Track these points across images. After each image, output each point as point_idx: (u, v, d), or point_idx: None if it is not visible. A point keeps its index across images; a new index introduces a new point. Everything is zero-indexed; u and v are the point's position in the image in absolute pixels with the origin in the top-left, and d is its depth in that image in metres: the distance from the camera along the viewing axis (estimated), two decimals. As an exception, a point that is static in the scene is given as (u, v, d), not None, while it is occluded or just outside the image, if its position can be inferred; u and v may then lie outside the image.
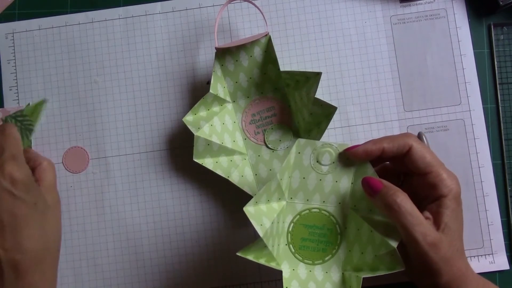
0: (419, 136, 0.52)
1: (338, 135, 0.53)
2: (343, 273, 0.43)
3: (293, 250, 0.44)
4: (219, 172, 0.50)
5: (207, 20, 0.55)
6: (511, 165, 0.53)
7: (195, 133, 0.49)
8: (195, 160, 0.49)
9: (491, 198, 0.52)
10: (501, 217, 0.52)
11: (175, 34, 0.55)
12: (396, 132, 0.53)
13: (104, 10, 0.55)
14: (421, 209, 0.41)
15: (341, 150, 0.43)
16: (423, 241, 0.38)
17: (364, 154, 0.42)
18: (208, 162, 0.50)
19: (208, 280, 0.52)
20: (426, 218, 0.40)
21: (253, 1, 0.50)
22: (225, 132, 0.51)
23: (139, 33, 0.55)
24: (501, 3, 0.52)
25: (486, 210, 0.52)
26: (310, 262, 0.44)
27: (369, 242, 0.42)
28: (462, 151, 0.52)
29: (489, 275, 0.51)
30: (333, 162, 0.43)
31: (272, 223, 0.41)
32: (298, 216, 0.44)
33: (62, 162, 0.54)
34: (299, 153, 0.43)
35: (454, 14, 0.54)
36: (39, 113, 0.54)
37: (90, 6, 0.55)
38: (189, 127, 0.49)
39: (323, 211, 0.44)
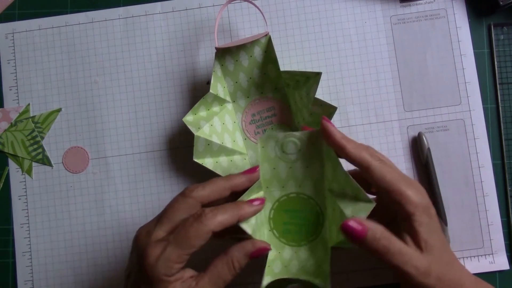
0: (419, 136, 0.52)
1: (338, 135, 0.53)
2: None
3: (277, 235, 0.44)
4: (219, 172, 0.49)
5: (207, 20, 0.55)
6: (511, 165, 0.53)
7: (195, 133, 0.49)
8: (195, 160, 0.49)
9: (491, 198, 0.52)
10: (501, 217, 0.52)
11: (175, 34, 0.55)
12: (396, 132, 0.53)
13: (104, 10, 0.55)
14: (396, 223, 0.41)
15: (305, 138, 0.43)
16: (416, 274, 0.37)
17: (330, 136, 0.41)
18: (208, 162, 0.50)
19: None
20: (406, 242, 0.39)
21: (253, 1, 0.50)
22: (225, 132, 0.51)
23: (139, 33, 0.55)
24: (501, 3, 0.52)
25: (486, 210, 0.52)
26: (295, 244, 0.44)
27: (341, 221, 0.42)
28: (462, 151, 0.52)
29: (489, 275, 0.51)
30: (300, 150, 0.43)
31: (256, 217, 0.42)
32: (277, 203, 0.45)
33: (62, 162, 0.54)
34: (263, 147, 0.44)
35: (454, 14, 0.54)
36: (52, 121, 0.54)
37: (90, 6, 0.55)
38: (189, 127, 0.49)
39: (301, 195, 0.45)
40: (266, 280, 0.40)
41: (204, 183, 0.41)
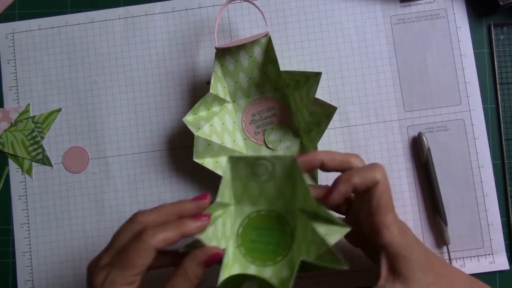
0: (419, 136, 0.52)
1: (338, 135, 0.53)
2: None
3: (243, 253, 0.43)
4: (219, 172, 0.49)
5: (207, 20, 0.55)
6: (511, 165, 0.53)
7: (195, 133, 0.49)
8: (195, 160, 0.49)
9: (491, 198, 0.52)
10: (501, 217, 0.52)
11: (175, 34, 0.55)
12: (396, 132, 0.53)
13: (104, 10, 0.55)
14: (372, 246, 0.41)
15: (277, 162, 0.41)
16: None
17: (342, 198, 0.39)
18: (208, 162, 0.50)
19: (208, 280, 0.52)
20: (381, 272, 0.39)
21: (253, 1, 0.50)
22: (225, 132, 0.51)
23: (139, 33, 0.55)
24: (501, 3, 0.52)
25: (486, 210, 0.52)
26: (261, 263, 0.43)
27: (312, 241, 0.41)
28: (462, 151, 0.52)
29: (489, 275, 0.51)
30: (271, 172, 0.42)
31: (215, 225, 0.41)
32: (246, 219, 0.44)
33: (62, 162, 0.54)
34: (233, 167, 0.42)
35: (454, 14, 0.54)
36: (52, 121, 0.54)
37: (90, 6, 0.55)
38: (189, 127, 0.49)
39: (271, 213, 0.44)
40: (223, 276, 0.39)
41: (152, 208, 0.40)
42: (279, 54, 0.53)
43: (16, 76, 0.55)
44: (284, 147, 0.52)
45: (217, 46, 0.49)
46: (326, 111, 0.48)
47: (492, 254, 0.51)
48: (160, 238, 0.37)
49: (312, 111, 0.49)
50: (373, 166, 0.39)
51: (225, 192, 0.42)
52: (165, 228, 0.38)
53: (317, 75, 0.47)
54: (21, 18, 0.55)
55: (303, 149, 0.52)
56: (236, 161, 0.42)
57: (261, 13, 0.50)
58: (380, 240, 0.39)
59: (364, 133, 0.53)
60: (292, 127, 0.52)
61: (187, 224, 0.39)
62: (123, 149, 0.54)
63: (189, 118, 0.49)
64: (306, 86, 0.49)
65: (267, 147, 0.52)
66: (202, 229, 0.39)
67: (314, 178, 0.49)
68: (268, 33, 0.49)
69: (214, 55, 0.50)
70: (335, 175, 0.41)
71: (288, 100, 0.52)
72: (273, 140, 0.52)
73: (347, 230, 0.39)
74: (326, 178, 0.51)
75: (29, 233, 0.53)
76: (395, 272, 0.39)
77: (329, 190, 0.40)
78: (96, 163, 0.54)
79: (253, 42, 0.50)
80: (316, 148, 0.49)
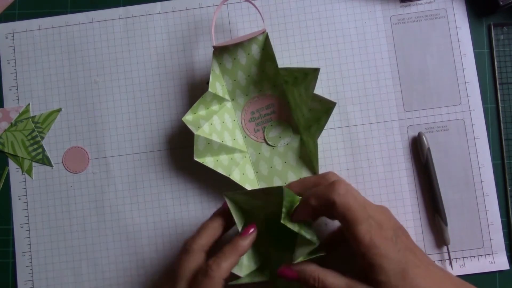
0: (419, 136, 0.52)
1: (338, 135, 0.53)
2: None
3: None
4: (220, 170, 0.49)
5: (207, 20, 0.55)
6: (511, 165, 0.53)
7: (195, 132, 0.49)
8: (196, 159, 0.49)
9: (491, 198, 0.52)
10: (501, 217, 0.52)
11: (175, 34, 0.55)
12: (396, 132, 0.53)
13: (104, 10, 0.55)
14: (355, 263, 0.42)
15: (264, 193, 0.43)
16: None
17: (306, 217, 0.42)
18: (208, 161, 0.50)
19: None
20: (359, 279, 0.40)
21: (251, 1, 0.50)
22: (225, 131, 0.51)
23: (139, 33, 0.55)
24: (501, 3, 0.52)
25: (486, 210, 0.52)
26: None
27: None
28: (462, 151, 0.52)
29: (489, 275, 0.51)
30: (264, 203, 0.44)
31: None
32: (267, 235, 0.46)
33: (62, 162, 0.54)
34: (232, 203, 0.44)
35: (454, 14, 0.54)
36: (52, 121, 0.54)
37: (90, 6, 0.55)
38: (189, 126, 0.49)
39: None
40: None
41: (196, 232, 0.44)
42: (279, 54, 0.53)
43: (16, 76, 0.55)
44: (284, 143, 0.52)
45: (214, 44, 0.49)
46: (326, 107, 0.48)
47: (492, 254, 0.51)
48: (225, 268, 0.41)
49: (312, 107, 0.49)
50: (330, 185, 0.41)
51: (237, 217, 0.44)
52: (225, 256, 0.41)
53: (315, 71, 0.47)
54: (21, 18, 0.56)
55: (303, 146, 0.52)
56: (232, 196, 0.44)
57: (258, 10, 0.50)
58: (354, 249, 0.40)
59: (364, 133, 0.53)
60: (291, 123, 0.52)
61: (240, 244, 0.42)
62: (123, 149, 0.54)
63: (188, 118, 0.49)
64: (304, 83, 0.49)
65: (267, 144, 0.52)
66: (253, 240, 0.43)
67: (314, 166, 0.51)
68: (265, 30, 0.49)
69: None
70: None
71: (287, 96, 0.52)
72: (273, 137, 0.52)
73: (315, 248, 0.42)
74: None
75: (29, 233, 0.53)
76: (369, 278, 0.39)
77: (294, 210, 0.43)
78: (96, 163, 0.54)
79: (250, 40, 0.50)
80: (316, 144, 0.49)
